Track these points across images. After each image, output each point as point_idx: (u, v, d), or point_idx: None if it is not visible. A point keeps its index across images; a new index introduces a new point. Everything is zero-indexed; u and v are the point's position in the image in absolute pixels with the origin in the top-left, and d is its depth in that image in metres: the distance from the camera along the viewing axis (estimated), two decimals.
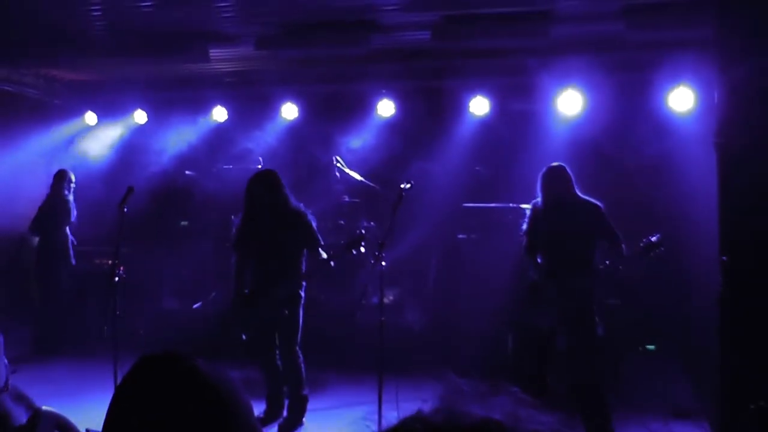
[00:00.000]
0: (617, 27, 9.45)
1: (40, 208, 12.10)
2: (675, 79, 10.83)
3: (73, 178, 12.34)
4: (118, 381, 5.38)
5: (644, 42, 10.40)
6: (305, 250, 7.74)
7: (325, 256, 7.55)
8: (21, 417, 2.43)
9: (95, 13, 10.23)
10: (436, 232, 11.57)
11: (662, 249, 7.33)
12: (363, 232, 7.57)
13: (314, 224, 7.73)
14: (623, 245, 7.54)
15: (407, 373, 8.11)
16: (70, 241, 12.23)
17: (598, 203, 7.66)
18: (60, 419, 2.98)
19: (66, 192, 12.15)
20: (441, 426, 1.11)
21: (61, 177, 12.19)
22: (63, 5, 9.90)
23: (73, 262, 12.31)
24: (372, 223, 11.69)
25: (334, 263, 7.65)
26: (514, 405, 1.17)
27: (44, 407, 3.03)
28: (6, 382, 2.43)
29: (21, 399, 2.47)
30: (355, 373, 9.73)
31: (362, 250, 7.45)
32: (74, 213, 12.24)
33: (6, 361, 2.43)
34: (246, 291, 7.74)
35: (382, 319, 6.93)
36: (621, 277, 9.24)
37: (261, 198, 7.75)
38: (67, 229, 12.24)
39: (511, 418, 1.13)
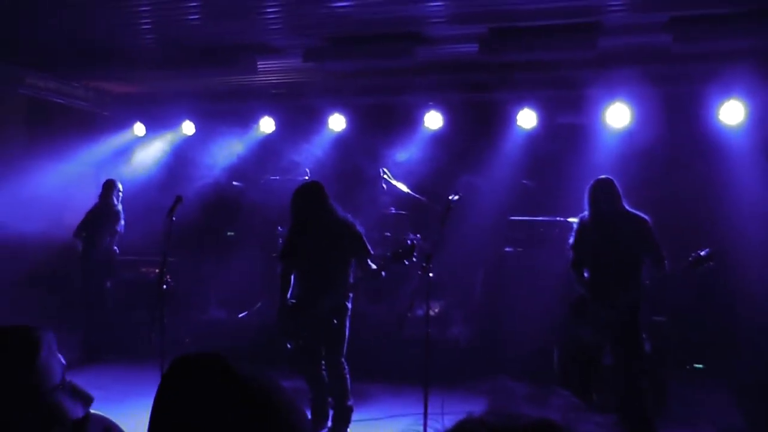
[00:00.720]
0: (664, 39, 9.38)
1: (87, 214, 12.22)
2: (725, 92, 10.73)
3: (121, 187, 12.43)
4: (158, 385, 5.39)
5: (692, 54, 10.33)
6: (353, 261, 7.72)
7: (374, 267, 7.53)
8: (77, 411, 2.45)
9: (144, 27, 10.36)
10: (482, 244, 11.52)
11: (712, 264, 7.20)
12: (413, 242, 7.54)
13: (363, 233, 7.72)
14: (666, 262, 7.44)
15: (452, 386, 8.09)
16: (114, 249, 12.33)
17: (645, 217, 7.57)
18: (108, 423, 3.00)
19: (115, 200, 12.25)
20: (497, 426, 1.11)
21: (110, 186, 12.30)
22: (113, 19, 10.02)
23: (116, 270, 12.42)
24: (418, 235, 11.67)
25: (385, 273, 7.63)
26: (566, 407, 1.16)
27: (93, 411, 3.07)
28: (62, 378, 2.46)
29: (77, 394, 2.49)
30: (399, 385, 9.72)
31: (413, 260, 7.42)
32: (122, 222, 12.32)
33: (61, 357, 2.46)
34: (293, 301, 7.74)
35: (429, 331, 6.89)
36: (669, 294, 9.15)
37: (306, 209, 7.75)
38: (114, 237, 12.33)
39: (566, 418, 1.13)
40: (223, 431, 1.56)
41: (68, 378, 2.51)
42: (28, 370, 2.30)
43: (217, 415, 1.57)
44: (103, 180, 13.89)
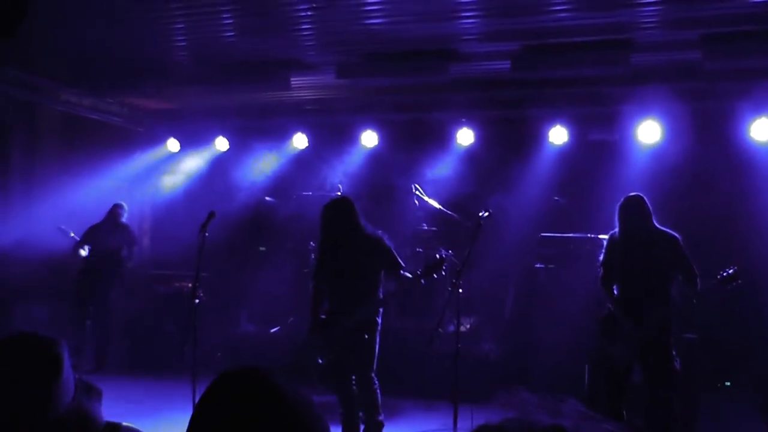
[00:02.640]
0: (696, 56, 9.38)
1: (90, 229, 12.45)
2: (756, 109, 10.69)
3: (126, 206, 12.65)
4: (198, 398, 5.44)
5: (724, 71, 10.30)
6: (382, 276, 7.74)
7: (410, 276, 7.55)
8: (99, 409, 2.47)
9: (179, 44, 10.46)
10: (513, 261, 11.52)
11: (740, 282, 7.19)
12: (444, 255, 7.55)
13: (392, 247, 7.75)
14: (698, 280, 7.42)
15: (482, 401, 8.07)
16: (122, 263, 12.41)
17: (676, 235, 7.55)
18: None
19: (120, 219, 12.40)
20: (515, 431, 1.14)
21: (115, 207, 12.51)
22: (148, 36, 10.14)
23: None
24: (450, 251, 11.68)
25: (406, 288, 7.66)
26: (578, 415, 1.20)
27: (125, 423, 3.10)
28: (76, 381, 2.48)
29: (90, 391, 2.52)
30: (429, 400, 9.73)
31: (443, 273, 7.43)
32: (132, 235, 12.66)
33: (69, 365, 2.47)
34: (323, 317, 7.78)
35: (459, 345, 6.91)
36: (698, 311, 9.10)
37: (335, 225, 7.79)
38: (122, 248, 12.42)
39: (577, 425, 1.16)
40: None
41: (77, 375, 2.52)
42: (55, 385, 2.32)
43: (256, 429, 1.60)
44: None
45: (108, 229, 12.51)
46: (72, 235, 12.26)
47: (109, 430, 2.59)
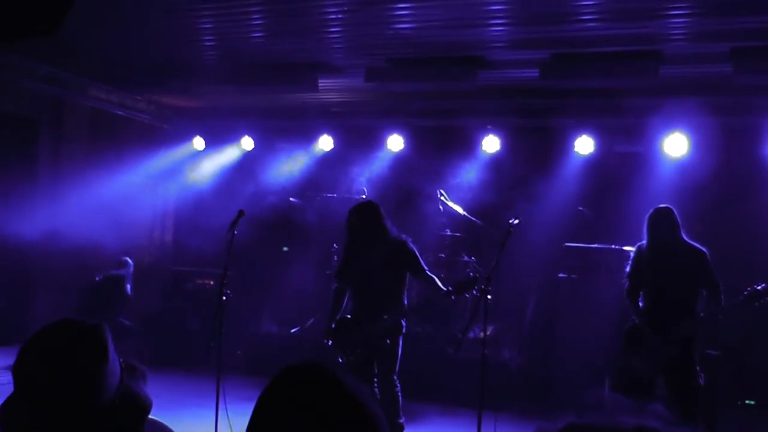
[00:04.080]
0: (725, 69, 9.35)
1: (89, 291, 12.24)
2: None
3: (131, 262, 12.54)
4: (221, 396, 5.48)
5: (753, 86, 10.26)
6: (407, 281, 7.76)
7: (438, 281, 7.56)
8: (145, 393, 2.49)
9: (208, 44, 10.51)
10: (536, 269, 11.51)
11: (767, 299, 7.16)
12: (476, 275, 7.53)
13: (417, 251, 7.77)
14: (722, 296, 7.40)
15: (503, 409, 8.09)
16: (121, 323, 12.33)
17: (703, 249, 7.52)
18: (164, 429, 3.06)
19: (125, 285, 12.31)
20: (605, 429, 1.16)
21: (121, 266, 12.39)
22: (177, 35, 10.18)
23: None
24: (473, 258, 11.69)
25: (432, 297, 7.68)
26: (662, 419, 1.21)
27: (150, 416, 3.12)
28: (121, 363, 2.49)
29: (132, 371, 2.54)
30: (451, 406, 9.75)
31: (474, 293, 7.41)
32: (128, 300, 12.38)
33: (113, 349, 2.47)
34: (348, 316, 7.80)
35: (485, 352, 6.90)
36: (722, 328, 9.07)
37: (361, 229, 7.81)
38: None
39: (663, 426, 1.18)
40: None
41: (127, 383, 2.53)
42: (103, 370, 2.33)
43: (322, 424, 1.61)
44: (161, 193, 14.14)
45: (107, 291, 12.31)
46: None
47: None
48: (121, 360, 2.51)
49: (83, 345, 2.35)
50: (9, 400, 2.34)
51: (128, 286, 12.13)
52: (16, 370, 2.36)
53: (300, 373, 1.73)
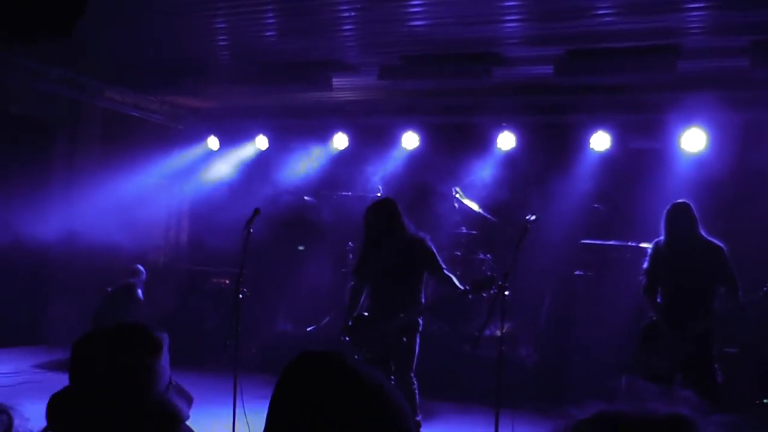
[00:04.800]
0: (744, 63, 9.28)
1: (106, 298, 12.04)
2: None
3: (143, 271, 12.44)
4: (239, 393, 5.46)
5: None
6: (426, 279, 7.73)
7: (456, 280, 7.52)
8: (186, 410, 2.52)
9: (221, 43, 10.52)
10: (552, 266, 11.46)
11: None
12: (494, 275, 7.49)
13: (435, 249, 7.73)
14: (740, 293, 7.33)
15: (520, 407, 8.05)
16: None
17: (721, 245, 7.44)
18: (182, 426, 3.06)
19: (137, 291, 12.20)
20: (634, 417, 1.13)
21: (134, 274, 12.30)
22: (190, 36, 10.19)
23: None
24: (488, 255, 11.65)
25: (449, 295, 7.65)
26: (691, 406, 1.19)
27: None
28: (170, 378, 2.53)
29: (182, 393, 2.57)
30: (466, 403, 9.73)
31: (492, 292, 7.37)
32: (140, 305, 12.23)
33: (168, 358, 2.53)
34: (365, 314, 7.77)
35: (502, 349, 6.87)
36: (739, 325, 9.00)
37: (378, 226, 7.78)
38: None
39: (695, 413, 1.16)
40: (341, 425, 1.58)
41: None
42: (151, 369, 2.37)
43: (336, 409, 1.59)
44: (176, 193, 14.14)
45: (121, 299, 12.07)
46: None
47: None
48: (173, 379, 2.56)
49: (139, 338, 2.44)
50: (58, 395, 2.38)
51: (140, 292, 12.09)
52: (74, 358, 2.41)
53: (316, 359, 1.71)
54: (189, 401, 2.57)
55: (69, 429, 2.34)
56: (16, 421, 2.06)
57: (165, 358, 2.47)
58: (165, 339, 2.50)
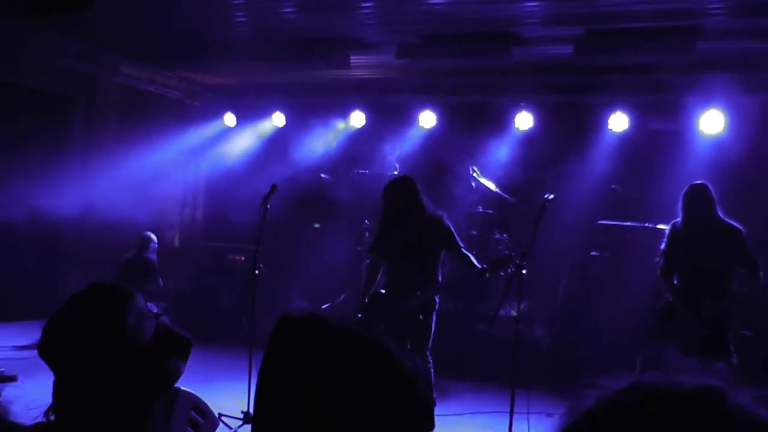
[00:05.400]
0: (763, 45, 9.22)
1: (120, 267, 11.97)
2: None
3: (155, 238, 12.31)
4: (254, 370, 5.48)
5: None
6: (443, 257, 7.72)
7: (474, 259, 7.51)
8: (178, 366, 2.45)
9: (239, 20, 10.50)
10: (568, 247, 11.44)
11: None
12: (512, 254, 7.48)
13: (453, 228, 7.71)
14: (761, 273, 7.30)
15: (534, 386, 8.08)
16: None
17: (739, 226, 7.40)
18: (197, 401, 3.06)
19: (150, 255, 12.13)
20: (666, 387, 1.14)
21: (144, 240, 12.16)
22: (208, 11, 10.17)
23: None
24: (505, 235, 11.64)
25: (467, 275, 7.63)
26: (724, 378, 1.19)
27: (183, 388, 3.12)
28: (156, 328, 2.45)
29: (172, 341, 2.50)
30: (482, 382, 9.75)
31: (510, 271, 7.36)
32: (159, 278, 12.13)
33: (152, 306, 2.48)
34: (382, 291, 7.77)
35: (519, 327, 6.87)
36: (754, 307, 8.96)
37: (397, 204, 7.75)
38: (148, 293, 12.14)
39: (727, 385, 1.16)
40: (328, 382, 1.56)
41: (163, 320, 2.50)
42: (122, 321, 2.29)
43: (322, 368, 1.58)
44: (192, 169, 14.14)
45: (135, 265, 12.04)
46: None
47: (167, 394, 2.59)
48: (162, 325, 2.48)
49: (107, 294, 2.39)
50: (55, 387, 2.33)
51: (154, 257, 12.09)
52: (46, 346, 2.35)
53: (295, 321, 1.70)
54: (186, 347, 2.50)
55: (73, 411, 2.30)
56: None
57: (140, 311, 2.38)
58: (134, 293, 2.43)
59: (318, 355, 1.60)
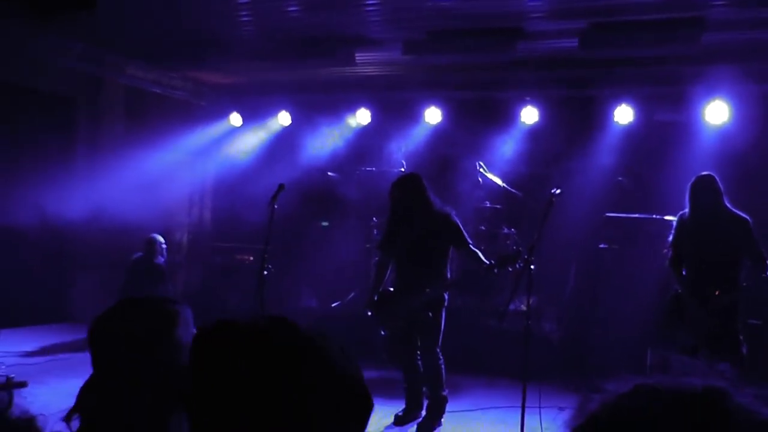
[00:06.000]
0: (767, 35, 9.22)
1: (128, 273, 11.83)
2: None
3: (162, 240, 12.14)
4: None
5: None
6: (451, 254, 7.72)
7: (481, 255, 7.52)
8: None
9: (244, 19, 10.50)
10: (576, 240, 11.43)
11: None
12: (520, 249, 7.49)
13: (460, 224, 7.71)
14: (767, 263, 7.29)
15: (546, 381, 8.07)
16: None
17: (746, 217, 7.39)
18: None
19: (158, 257, 11.98)
20: (672, 390, 1.15)
21: (151, 242, 11.96)
22: (212, 11, 10.19)
23: None
24: (513, 230, 11.64)
25: (476, 270, 7.64)
26: (726, 379, 1.20)
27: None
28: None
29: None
30: (493, 378, 9.74)
31: (518, 266, 7.37)
32: (166, 282, 11.99)
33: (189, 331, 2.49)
34: (390, 289, 7.78)
35: (529, 322, 6.87)
36: (764, 297, 8.95)
37: (404, 201, 7.76)
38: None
39: (730, 386, 1.17)
40: (248, 390, 1.56)
41: None
42: (165, 343, 2.34)
43: (249, 375, 1.57)
44: (199, 169, 14.15)
45: (143, 269, 11.86)
46: None
47: None
48: None
49: (152, 312, 2.42)
50: (86, 386, 2.37)
51: (161, 260, 12.06)
52: (93, 342, 2.40)
53: (208, 333, 1.70)
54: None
55: (99, 414, 2.33)
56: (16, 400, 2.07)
57: (183, 329, 2.42)
58: (183, 311, 2.46)
59: (233, 366, 1.60)
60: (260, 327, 1.68)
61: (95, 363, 2.38)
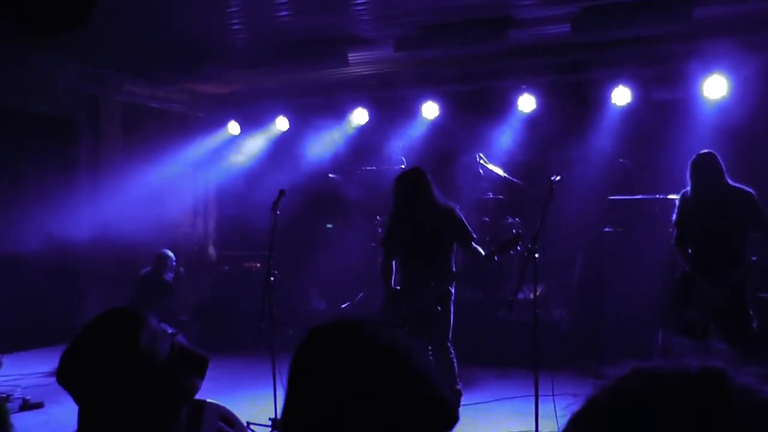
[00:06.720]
0: (763, 5, 9.17)
1: (138, 287, 11.87)
2: None
3: (173, 256, 12.19)
4: (278, 377, 5.47)
5: None
6: (455, 247, 7.70)
7: (483, 252, 7.50)
8: (195, 383, 2.49)
9: (235, 27, 10.51)
10: (581, 225, 11.41)
11: None
12: (519, 231, 7.48)
13: (464, 218, 7.69)
14: None
15: (558, 368, 8.05)
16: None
17: (750, 190, 7.36)
18: (224, 411, 3.07)
19: (167, 273, 12.03)
20: (668, 372, 1.14)
21: (161, 258, 12.05)
22: (204, 21, 10.20)
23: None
24: (516, 219, 11.62)
25: (479, 262, 7.62)
26: (726, 359, 1.19)
27: (209, 400, 3.13)
28: (171, 348, 2.49)
29: (189, 360, 2.53)
30: (506, 368, 9.75)
31: (518, 249, 7.37)
32: (173, 293, 12.06)
33: (166, 327, 2.50)
34: (397, 288, 7.77)
35: (537, 311, 6.86)
36: None
37: (408, 196, 7.73)
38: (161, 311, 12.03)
39: (731, 366, 1.15)
40: (357, 394, 1.57)
41: (179, 339, 2.53)
42: (134, 344, 2.33)
43: (354, 380, 1.58)
44: (200, 181, 14.15)
45: (151, 285, 11.90)
46: None
47: (193, 408, 2.62)
48: (178, 344, 2.51)
49: (113, 318, 2.43)
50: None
51: (169, 276, 12.07)
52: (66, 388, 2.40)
53: (326, 332, 1.71)
54: (201, 366, 2.53)
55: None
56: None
57: (153, 333, 2.41)
58: (145, 315, 2.47)
59: (348, 369, 1.60)
60: (364, 330, 1.70)
61: (73, 393, 2.39)
